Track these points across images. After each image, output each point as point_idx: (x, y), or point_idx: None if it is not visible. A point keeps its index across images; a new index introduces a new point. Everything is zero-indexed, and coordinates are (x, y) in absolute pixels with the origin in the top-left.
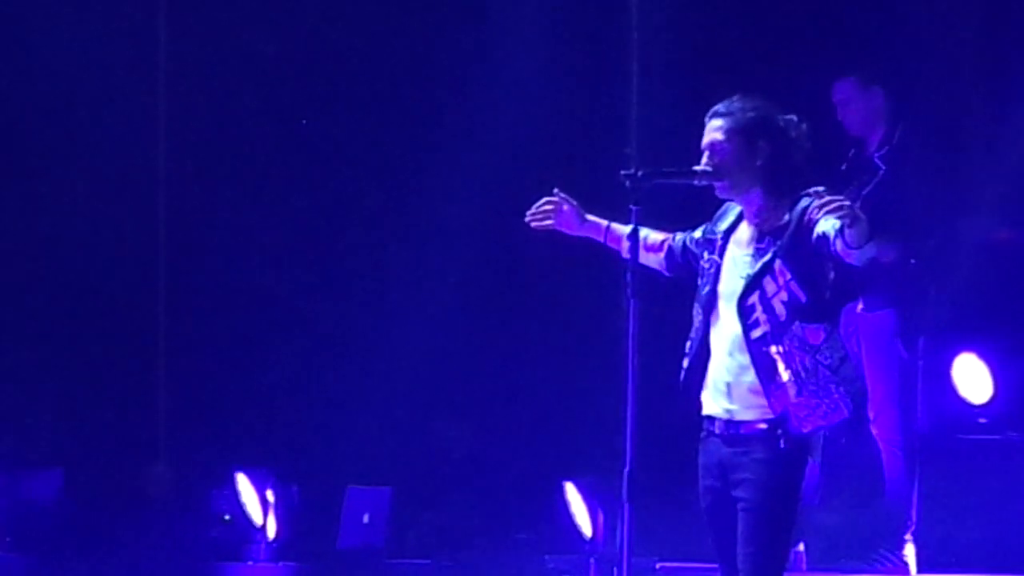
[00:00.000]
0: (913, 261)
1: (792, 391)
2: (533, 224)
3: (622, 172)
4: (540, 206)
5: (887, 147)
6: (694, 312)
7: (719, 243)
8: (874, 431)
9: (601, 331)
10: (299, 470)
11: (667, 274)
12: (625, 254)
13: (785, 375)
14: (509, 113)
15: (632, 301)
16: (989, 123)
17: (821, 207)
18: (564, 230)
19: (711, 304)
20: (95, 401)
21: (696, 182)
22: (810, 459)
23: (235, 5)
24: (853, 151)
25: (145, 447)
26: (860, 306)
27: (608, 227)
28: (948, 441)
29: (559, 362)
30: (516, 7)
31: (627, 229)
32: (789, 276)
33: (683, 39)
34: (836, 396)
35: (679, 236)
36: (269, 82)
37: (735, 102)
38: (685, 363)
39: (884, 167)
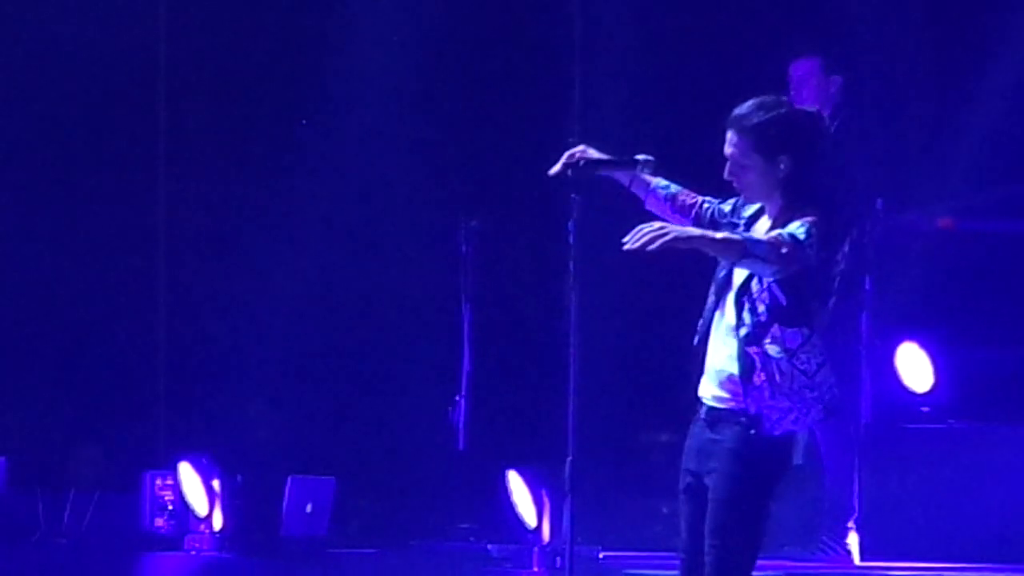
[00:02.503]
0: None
1: (766, 393)
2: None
3: (563, 161)
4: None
5: None
6: (710, 292)
7: (742, 230)
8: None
9: (545, 314)
10: (240, 459)
11: None
12: (646, 206)
13: (761, 376)
14: (450, 97)
15: (573, 290)
16: (930, 113)
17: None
18: (588, 172)
19: (724, 289)
20: (35, 387)
21: (639, 171)
22: (796, 461)
23: None
24: None
25: (81, 432)
26: None
27: (634, 176)
28: (891, 429)
29: (502, 348)
30: None
31: (659, 181)
32: (771, 278)
33: (628, 21)
34: (808, 402)
35: (707, 205)
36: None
37: (756, 113)
38: (696, 340)
39: None
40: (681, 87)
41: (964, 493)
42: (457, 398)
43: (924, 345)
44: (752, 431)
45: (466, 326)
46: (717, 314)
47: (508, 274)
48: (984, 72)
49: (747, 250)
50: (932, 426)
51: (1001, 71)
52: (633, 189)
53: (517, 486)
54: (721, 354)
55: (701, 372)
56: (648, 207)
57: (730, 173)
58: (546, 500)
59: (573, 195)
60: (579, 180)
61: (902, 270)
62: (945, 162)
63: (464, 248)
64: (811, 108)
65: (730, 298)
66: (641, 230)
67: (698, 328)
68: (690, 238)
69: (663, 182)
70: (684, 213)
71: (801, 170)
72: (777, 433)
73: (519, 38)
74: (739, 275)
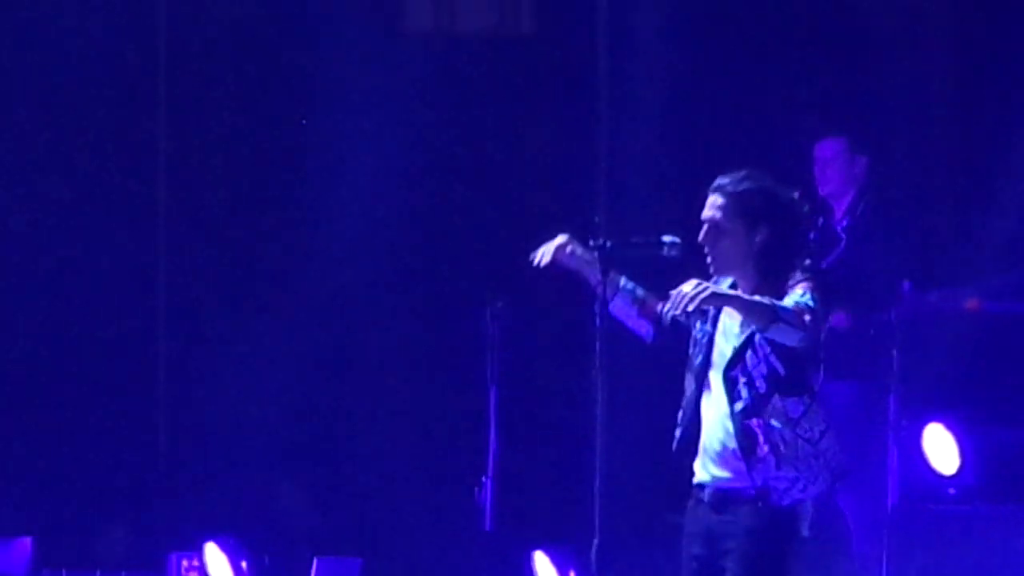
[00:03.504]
0: (872, 331)
1: (772, 464)
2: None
3: (591, 243)
4: (551, 245)
5: (849, 218)
6: (686, 381)
7: (712, 312)
8: (842, 500)
9: (572, 395)
10: (266, 539)
11: (648, 341)
12: (610, 308)
13: (764, 448)
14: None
15: (600, 371)
16: (957, 194)
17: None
18: (564, 263)
19: (703, 373)
20: (60, 467)
21: (665, 252)
22: (803, 533)
23: None
24: (822, 220)
25: (107, 512)
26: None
27: (607, 273)
28: (918, 511)
29: (529, 428)
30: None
31: (627, 284)
32: (769, 349)
33: (654, 97)
34: (815, 469)
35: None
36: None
37: (743, 181)
38: (678, 432)
39: (845, 238)
40: (707, 165)
41: (991, 575)
42: (484, 478)
43: (950, 426)
44: (760, 504)
45: (492, 406)
46: (704, 397)
47: (534, 355)
48: (1011, 155)
49: (777, 315)
50: (959, 507)
51: None
52: (601, 290)
53: (543, 567)
54: (717, 434)
55: (692, 458)
56: (612, 309)
57: (705, 238)
58: None
59: (600, 276)
60: (607, 261)
61: (929, 351)
62: (972, 244)
63: (490, 329)
64: (834, 189)
65: (716, 377)
66: (680, 292)
67: (679, 419)
68: (726, 297)
69: (631, 285)
70: (649, 318)
71: (778, 244)
72: (786, 503)
73: (544, 116)
74: (723, 354)
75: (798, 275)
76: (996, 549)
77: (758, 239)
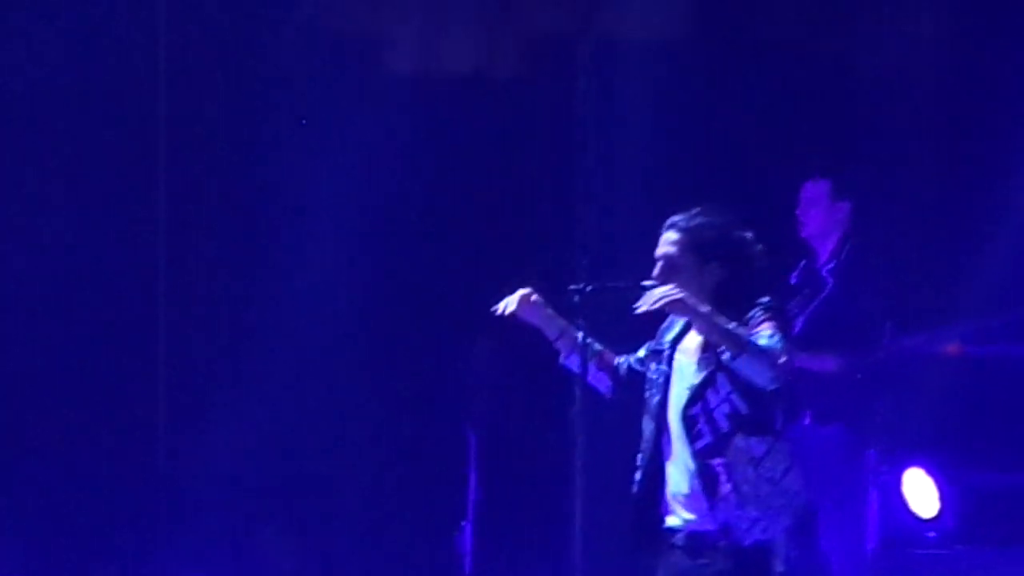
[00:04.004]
0: (859, 375)
1: (733, 503)
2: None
3: (571, 287)
4: (515, 296)
5: (835, 261)
6: (644, 423)
7: (667, 353)
8: (824, 544)
9: (553, 441)
10: None
11: (608, 396)
12: (563, 360)
13: (727, 487)
14: (454, 215)
15: (580, 415)
16: (939, 239)
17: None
18: (525, 316)
19: (662, 414)
20: (42, 502)
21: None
22: (778, 570)
23: None
24: (804, 262)
25: (93, 558)
26: (807, 420)
27: (567, 328)
28: (899, 555)
29: (509, 474)
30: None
31: (584, 339)
32: (730, 388)
33: (638, 143)
34: (777, 509)
35: (621, 359)
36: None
37: (695, 217)
38: (638, 475)
39: (831, 281)
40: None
41: None
42: (463, 522)
43: (930, 471)
44: (723, 543)
45: (472, 450)
46: (664, 440)
47: (514, 398)
48: (992, 199)
49: (749, 346)
50: (939, 552)
51: (1010, 196)
52: (559, 343)
53: None
54: (680, 476)
55: (653, 500)
56: (569, 363)
57: (659, 274)
58: None
59: (579, 320)
60: (586, 305)
61: (910, 395)
62: (953, 288)
63: (471, 372)
64: (815, 231)
65: (674, 417)
66: (653, 294)
67: (638, 461)
68: (697, 311)
69: (589, 339)
70: (607, 371)
71: (732, 280)
72: (747, 544)
73: (526, 160)
74: (680, 394)
75: (759, 313)
76: None
77: (711, 275)
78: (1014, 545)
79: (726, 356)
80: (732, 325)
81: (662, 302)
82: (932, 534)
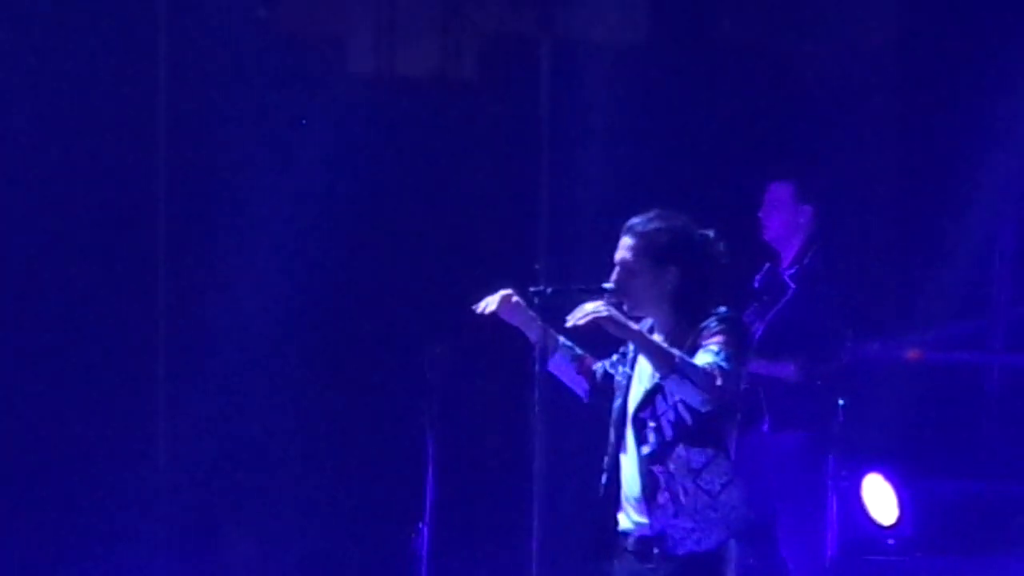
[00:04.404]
0: (819, 382)
1: (670, 511)
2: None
3: (531, 289)
4: (496, 296)
5: (797, 266)
6: (610, 427)
7: (631, 355)
8: (784, 552)
9: (512, 444)
10: None
11: (585, 400)
12: (549, 366)
13: (665, 495)
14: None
15: (539, 419)
16: (900, 247)
17: (581, 318)
18: (506, 317)
19: (621, 417)
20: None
21: (605, 299)
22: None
23: None
24: (768, 266)
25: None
26: (766, 426)
27: (547, 330)
28: (857, 562)
29: (466, 475)
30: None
31: (565, 342)
32: (677, 397)
33: (598, 146)
34: (712, 522)
35: (598, 364)
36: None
37: (652, 221)
38: (603, 478)
39: (793, 286)
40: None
41: None
42: (420, 525)
43: (889, 477)
44: (656, 551)
45: (430, 452)
46: (623, 444)
47: (473, 400)
48: (952, 206)
49: (678, 367)
50: (897, 558)
51: (972, 202)
52: (539, 346)
53: None
54: (631, 479)
55: (617, 505)
56: (550, 367)
57: (617, 279)
58: None
59: (539, 323)
60: (546, 308)
61: (870, 401)
62: (913, 294)
63: (428, 374)
64: (777, 235)
65: (629, 421)
66: (583, 309)
67: (604, 465)
68: (625, 328)
69: (569, 343)
70: (585, 375)
71: (690, 284)
72: (680, 553)
73: (486, 162)
74: (634, 398)
75: (713, 324)
76: None
77: (669, 279)
78: (973, 553)
79: (656, 376)
80: (666, 347)
81: (588, 318)
82: (891, 541)
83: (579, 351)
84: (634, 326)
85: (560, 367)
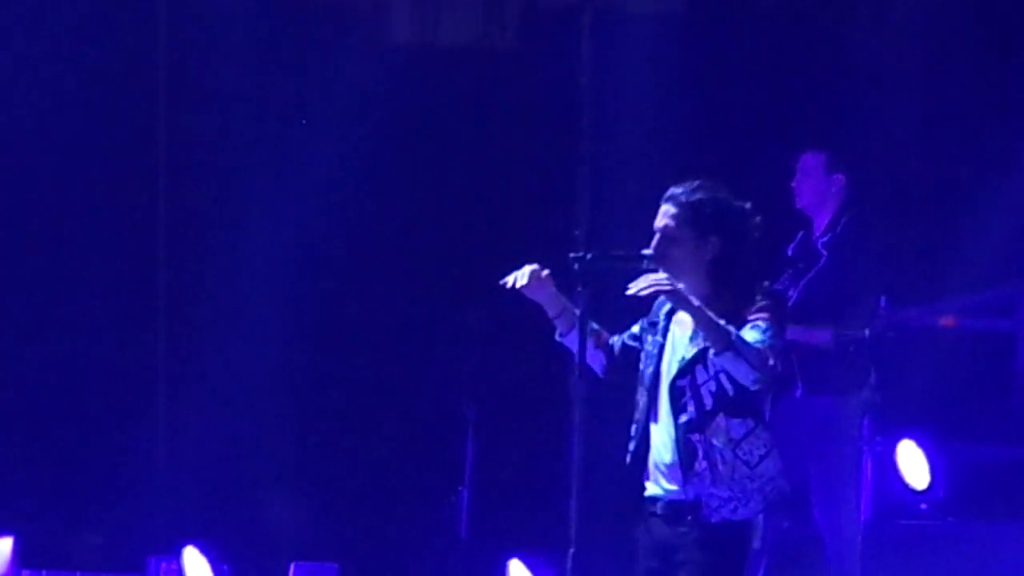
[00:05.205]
0: (852, 349)
1: (708, 480)
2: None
3: (570, 255)
4: (526, 271)
5: (830, 234)
6: (638, 395)
7: (662, 324)
8: (818, 515)
9: (551, 402)
10: (244, 544)
11: (601, 375)
12: (558, 337)
13: (702, 464)
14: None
15: (580, 380)
16: (933, 212)
17: (645, 288)
18: (531, 292)
19: (654, 385)
20: (41, 469)
21: (644, 266)
22: (754, 545)
23: None
24: (801, 234)
25: (85, 514)
26: (799, 392)
27: (566, 307)
28: (891, 527)
29: (506, 436)
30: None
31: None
32: (720, 367)
33: (638, 114)
34: (749, 492)
35: (615, 337)
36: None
37: (694, 191)
38: (632, 445)
39: (826, 254)
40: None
41: None
42: (460, 486)
43: (920, 443)
44: (690, 517)
45: (470, 420)
46: (653, 411)
47: (512, 362)
48: (987, 174)
49: (734, 344)
50: (930, 522)
51: (1008, 168)
52: (557, 321)
53: (519, 575)
54: (664, 446)
55: (646, 471)
56: (567, 341)
57: (658, 247)
58: None
59: (579, 288)
60: (586, 274)
61: (904, 367)
62: (948, 261)
63: (469, 335)
64: (809, 203)
65: (663, 388)
66: (646, 279)
67: (632, 432)
68: (689, 303)
69: (586, 319)
70: (603, 349)
71: (728, 255)
72: (715, 521)
73: (526, 130)
74: (671, 366)
75: (759, 299)
76: (966, 564)
77: (709, 249)
78: (1004, 517)
79: (712, 351)
80: (723, 323)
81: (651, 290)
82: (924, 506)
83: (595, 326)
84: (695, 300)
85: (576, 341)
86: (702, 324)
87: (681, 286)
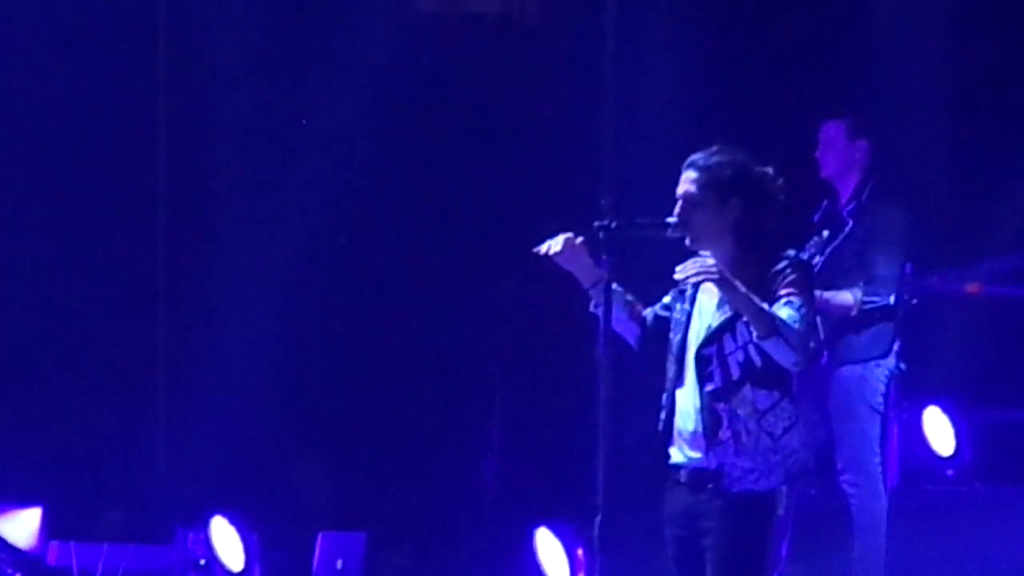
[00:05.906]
0: (878, 315)
1: (731, 450)
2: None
3: (595, 224)
4: (560, 239)
5: (855, 202)
6: (668, 363)
7: (690, 293)
8: (844, 482)
9: (578, 371)
10: (272, 514)
11: (635, 347)
12: (593, 308)
13: (727, 433)
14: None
15: (606, 347)
16: (959, 179)
17: (693, 275)
18: (564, 260)
19: (682, 353)
20: (68, 440)
21: (669, 234)
22: (780, 512)
23: None
24: (827, 202)
25: (113, 484)
26: (824, 359)
27: (601, 277)
28: (918, 493)
29: (533, 404)
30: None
31: (617, 288)
32: (749, 338)
33: (661, 82)
34: (772, 464)
35: (648, 309)
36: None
37: (713, 155)
38: (663, 415)
39: (851, 222)
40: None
41: (987, 557)
42: (487, 457)
43: (946, 409)
44: (711, 486)
45: (497, 383)
46: (682, 377)
47: (539, 331)
48: (1012, 138)
49: (777, 329)
50: (956, 488)
51: None
52: (594, 291)
53: (546, 543)
54: (688, 415)
55: (670, 438)
56: (598, 310)
57: (681, 212)
58: (581, 559)
59: (605, 256)
60: (611, 242)
61: (929, 334)
62: (973, 227)
63: (496, 306)
64: (833, 171)
65: (690, 356)
66: (696, 262)
67: (663, 401)
68: (734, 289)
69: (620, 289)
70: (636, 320)
71: (752, 218)
72: (736, 491)
73: (550, 100)
74: (698, 334)
75: (787, 270)
76: (993, 529)
77: (732, 212)
78: None
79: (755, 335)
80: (767, 308)
81: (700, 278)
82: (950, 471)
83: (630, 297)
84: (742, 287)
85: (611, 312)
86: (747, 310)
87: (723, 273)
